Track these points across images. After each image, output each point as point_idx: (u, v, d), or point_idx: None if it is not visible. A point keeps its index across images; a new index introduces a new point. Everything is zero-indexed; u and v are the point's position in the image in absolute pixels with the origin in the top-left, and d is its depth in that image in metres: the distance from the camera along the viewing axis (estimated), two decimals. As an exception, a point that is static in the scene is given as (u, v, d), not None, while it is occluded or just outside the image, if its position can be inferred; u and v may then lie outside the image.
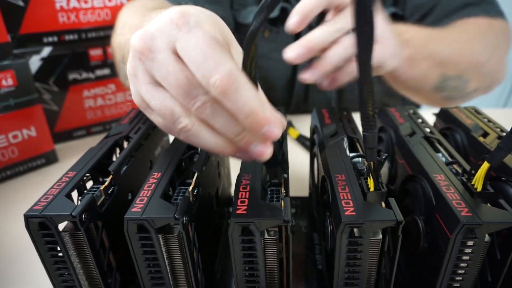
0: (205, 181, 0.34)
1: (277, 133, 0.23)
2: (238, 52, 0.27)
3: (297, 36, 0.58)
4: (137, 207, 0.26)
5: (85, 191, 0.31)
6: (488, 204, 0.26)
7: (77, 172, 0.31)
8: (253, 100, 0.22)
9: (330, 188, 0.29)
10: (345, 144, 0.36)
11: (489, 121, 0.40)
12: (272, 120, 0.23)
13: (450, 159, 0.33)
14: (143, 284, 0.29)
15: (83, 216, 0.27)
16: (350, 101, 0.78)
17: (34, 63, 0.65)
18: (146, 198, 0.27)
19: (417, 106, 0.80)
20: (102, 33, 0.70)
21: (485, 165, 0.26)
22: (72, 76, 0.69)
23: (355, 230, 0.25)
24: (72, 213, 0.26)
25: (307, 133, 0.66)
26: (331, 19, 0.44)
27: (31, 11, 0.62)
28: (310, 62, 0.46)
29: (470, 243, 0.25)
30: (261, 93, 0.25)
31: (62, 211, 0.27)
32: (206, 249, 0.34)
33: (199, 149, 0.36)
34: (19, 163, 0.59)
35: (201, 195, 0.32)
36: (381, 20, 0.45)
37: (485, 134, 0.37)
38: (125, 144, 0.39)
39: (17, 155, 0.58)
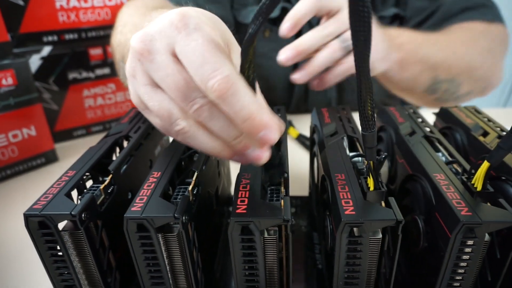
0: (205, 181, 0.34)
1: (274, 138, 0.23)
2: (238, 55, 0.27)
3: (298, 36, 0.59)
4: (136, 206, 0.26)
5: (85, 190, 0.31)
6: (488, 204, 0.26)
7: (77, 171, 0.31)
8: (250, 105, 0.22)
9: (330, 187, 0.29)
10: (345, 143, 0.36)
11: (489, 120, 0.40)
12: (269, 125, 0.23)
13: (450, 159, 0.33)
14: (142, 283, 0.29)
15: (83, 215, 0.27)
16: (351, 101, 0.78)
17: (34, 62, 0.65)
18: (145, 197, 0.27)
19: (417, 105, 0.81)
20: (102, 33, 0.70)
21: (485, 165, 0.26)
22: (72, 75, 0.69)
23: (355, 229, 0.25)
24: (72, 212, 0.26)
25: (307, 132, 0.66)
26: (321, 24, 0.48)
27: (31, 10, 0.62)
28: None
29: (470, 242, 0.25)
30: (259, 97, 0.25)
31: (61, 210, 0.27)
32: (205, 248, 0.34)
33: (198, 149, 0.36)
34: (19, 162, 0.59)
35: (201, 195, 0.32)
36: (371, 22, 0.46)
37: (485, 134, 0.37)
38: (125, 144, 0.39)
39: (17, 154, 0.58)
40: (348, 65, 0.50)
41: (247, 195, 0.27)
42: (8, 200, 0.53)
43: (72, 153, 0.66)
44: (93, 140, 0.39)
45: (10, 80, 0.55)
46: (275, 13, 0.67)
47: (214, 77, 0.22)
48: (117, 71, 0.61)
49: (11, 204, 0.52)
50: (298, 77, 0.49)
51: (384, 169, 0.41)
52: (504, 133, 0.36)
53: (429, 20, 0.70)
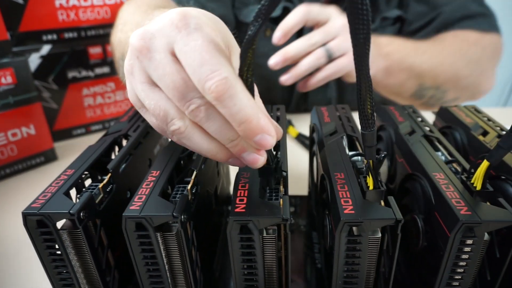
0: (204, 180, 0.34)
1: (270, 142, 0.23)
2: (238, 57, 0.26)
3: (299, 35, 0.60)
4: (135, 205, 0.26)
5: (84, 189, 0.31)
6: (488, 203, 0.26)
7: (76, 170, 0.31)
8: (247, 108, 0.22)
9: (329, 186, 0.29)
10: (345, 142, 0.36)
11: (489, 120, 0.40)
12: (266, 129, 0.22)
13: (449, 158, 0.33)
14: (141, 283, 0.29)
15: (82, 214, 0.27)
16: (351, 101, 0.78)
17: (34, 61, 0.65)
18: (144, 196, 0.27)
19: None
20: (102, 31, 0.70)
21: (485, 164, 0.26)
22: (71, 74, 0.69)
23: (354, 228, 0.25)
24: (70, 211, 0.26)
25: (306, 132, 0.66)
26: (309, 34, 0.55)
27: (31, 9, 0.62)
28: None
29: (469, 241, 0.25)
30: (258, 100, 0.25)
31: (60, 209, 0.26)
32: (204, 247, 0.34)
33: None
34: (18, 161, 0.59)
35: (199, 194, 0.32)
36: None
37: (485, 133, 0.37)
38: (124, 142, 0.38)
39: (16, 153, 0.58)
40: (330, 71, 0.57)
41: (246, 194, 0.27)
42: (7, 199, 0.53)
43: (71, 152, 0.66)
44: (92, 139, 0.39)
45: (9, 79, 0.55)
46: (277, 12, 0.67)
47: (212, 78, 0.21)
48: (117, 70, 0.61)
49: (10, 203, 0.52)
50: (284, 79, 0.57)
51: (384, 168, 0.41)
52: (504, 132, 0.36)
53: (429, 26, 0.73)
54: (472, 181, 0.27)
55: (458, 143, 0.39)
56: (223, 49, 0.23)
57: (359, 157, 0.33)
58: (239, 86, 0.22)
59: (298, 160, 0.59)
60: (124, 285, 0.34)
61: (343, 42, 0.56)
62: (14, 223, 0.47)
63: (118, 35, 0.56)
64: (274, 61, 0.55)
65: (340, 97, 0.79)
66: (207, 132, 0.25)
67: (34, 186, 0.56)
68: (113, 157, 0.37)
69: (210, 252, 0.37)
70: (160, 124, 0.26)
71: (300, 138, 0.67)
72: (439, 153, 0.34)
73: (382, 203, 0.27)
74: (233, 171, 0.43)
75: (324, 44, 0.55)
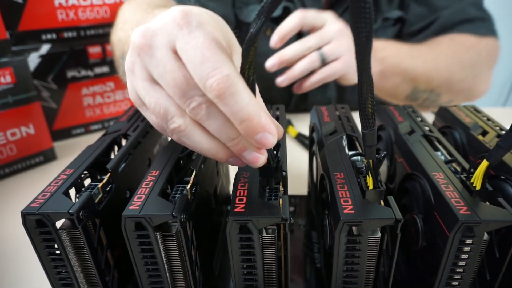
0: (204, 179, 0.34)
1: (271, 141, 0.23)
2: (240, 56, 0.26)
3: (299, 35, 0.61)
4: (135, 205, 0.26)
5: (83, 189, 0.31)
6: (487, 203, 0.26)
7: (75, 170, 0.31)
8: (249, 106, 0.22)
9: (329, 186, 0.29)
10: (344, 142, 0.36)
11: (489, 119, 0.40)
12: (267, 128, 0.22)
13: (449, 158, 0.33)
14: (141, 282, 0.29)
15: (81, 213, 0.27)
16: (351, 100, 0.79)
17: (33, 60, 0.65)
18: (144, 196, 0.27)
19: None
20: (101, 31, 0.70)
21: (484, 164, 0.26)
22: (70, 73, 0.69)
23: (353, 228, 0.25)
24: (70, 211, 0.26)
25: (306, 131, 0.66)
26: (304, 38, 0.58)
27: (30, 8, 0.62)
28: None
29: (469, 241, 0.25)
30: (259, 99, 0.25)
31: (59, 208, 0.26)
32: (204, 247, 0.34)
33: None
34: (17, 161, 0.59)
35: (199, 193, 0.32)
36: (348, 38, 0.58)
37: (484, 133, 0.37)
38: (124, 142, 0.38)
39: (15, 153, 0.58)
40: (323, 75, 0.59)
41: (245, 194, 0.27)
42: (7, 198, 0.53)
43: (71, 151, 0.66)
44: (92, 138, 0.39)
45: (8, 78, 0.55)
46: (277, 12, 0.68)
47: (214, 76, 0.21)
48: (117, 68, 0.61)
49: (9, 203, 0.52)
50: (280, 80, 0.60)
51: (383, 168, 0.41)
52: (503, 132, 0.36)
53: (428, 29, 0.74)
54: (471, 181, 0.27)
55: (457, 143, 0.39)
56: (224, 47, 0.23)
57: (359, 157, 0.33)
58: (241, 84, 0.22)
59: (297, 160, 0.59)
60: (123, 285, 0.34)
61: (337, 47, 0.58)
62: (13, 222, 0.47)
63: (118, 34, 0.56)
64: (270, 63, 0.57)
65: (340, 97, 0.79)
66: (208, 130, 0.24)
67: (33, 185, 0.56)
68: (112, 156, 0.37)
69: (209, 252, 0.37)
70: (160, 122, 0.25)
71: (299, 137, 0.67)
72: (439, 153, 0.34)
73: (382, 202, 0.27)
74: (233, 170, 0.43)
75: (319, 48, 0.58)
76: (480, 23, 0.72)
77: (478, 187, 0.26)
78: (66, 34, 0.67)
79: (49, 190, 0.29)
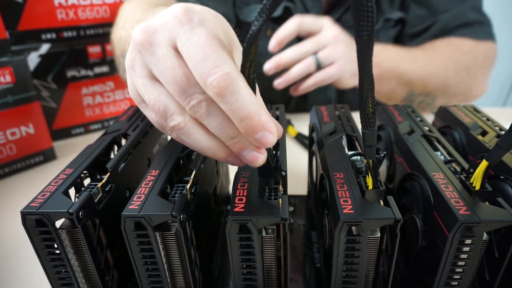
0: (203, 179, 0.34)
1: (271, 140, 0.23)
2: (240, 55, 0.26)
3: (299, 38, 0.62)
4: (134, 205, 0.26)
5: (83, 188, 0.31)
6: (487, 203, 0.26)
7: (75, 169, 0.31)
8: (249, 104, 0.22)
9: (329, 186, 0.29)
10: (344, 142, 0.36)
11: (488, 119, 0.40)
12: (268, 127, 0.22)
13: (448, 158, 0.33)
14: (140, 282, 0.29)
15: (81, 213, 0.27)
16: (350, 101, 0.79)
17: (33, 60, 0.65)
18: (143, 196, 0.27)
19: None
20: (101, 30, 0.70)
21: (484, 164, 0.26)
22: (70, 73, 0.69)
23: (353, 228, 0.25)
24: (69, 210, 0.26)
25: (306, 131, 0.66)
26: (301, 43, 0.60)
27: (30, 8, 0.62)
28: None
29: (468, 241, 0.25)
30: (259, 98, 0.25)
31: (59, 208, 0.26)
32: (203, 247, 0.34)
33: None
34: (17, 161, 0.59)
35: (199, 193, 0.32)
36: (344, 44, 0.60)
37: (484, 133, 0.37)
38: (123, 142, 0.38)
39: (15, 152, 0.58)
40: (318, 79, 0.61)
41: (245, 194, 0.27)
42: (6, 198, 0.53)
43: (70, 151, 0.66)
44: (91, 138, 0.39)
45: (8, 78, 0.55)
46: (278, 12, 0.68)
47: (214, 73, 0.21)
48: (117, 67, 0.61)
49: (8, 202, 0.52)
50: (277, 83, 0.63)
51: (383, 168, 0.41)
52: (503, 132, 0.36)
53: (427, 32, 0.75)
54: (471, 181, 0.27)
55: (457, 143, 0.39)
56: (226, 45, 0.23)
57: (358, 157, 0.33)
58: (242, 82, 0.22)
59: (297, 160, 0.59)
60: (123, 284, 0.34)
61: (333, 52, 0.60)
62: (13, 222, 0.47)
63: (118, 32, 0.56)
64: (268, 66, 0.60)
65: (339, 97, 0.79)
66: (207, 129, 0.24)
67: (33, 185, 0.56)
68: (112, 156, 0.37)
69: (209, 252, 0.37)
70: (160, 119, 0.25)
71: (299, 137, 0.67)
72: (438, 153, 0.34)
73: (381, 202, 0.27)
74: (232, 170, 0.43)
75: (316, 53, 0.60)
76: (479, 27, 0.74)
77: (477, 187, 0.26)
78: (66, 34, 0.67)
79: (48, 189, 0.29)
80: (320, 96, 0.77)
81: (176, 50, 0.24)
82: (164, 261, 0.28)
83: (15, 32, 0.62)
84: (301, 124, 0.71)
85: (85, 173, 0.32)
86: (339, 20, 0.73)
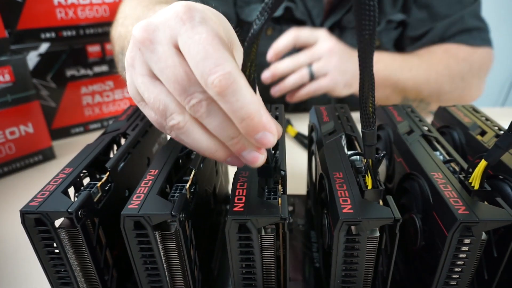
0: (203, 178, 0.34)
1: (272, 140, 0.22)
2: (240, 54, 0.26)
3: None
4: (134, 204, 0.26)
5: (82, 188, 0.31)
6: (485, 202, 0.26)
7: (74, 169, 0.31)
8: (250, 104, 0.21)
9: (328, 185, 0.29)
10: (343, 142, 0.36)
11: (487, 119, 0.40)
12: (268, 127, 0.22)
13: (447, 157, 0.33)
14: (139, 281, 0.29)
15: (80, 212, 0.27)
16: (350, 101, 0.79)
17: (32, 59, 0.65)
18: (143, 195, 0.27)
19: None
20: (100, 30, 0.70)
21: (483, 163, 0.26)
22: (70, 72, 0.69)
23: (352, 227, 0.25)
24: (69, 210, 0.26)
25: (305, 131, 0.66)
26: (297, 54, 0.64)
27: (29, 7, 0.62)
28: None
29: (467, 241, 0.25)
30: (258, 97, 0.25)
31: (58, 207, 0.26)
32: (203, 246, 0.34)
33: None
34: (16, 160, 0.59)
35: (198, 192, 0.32)
36: (337, 56, 0.63)
37: (483, 133, 0.37)
38: (123, 141, 0.38)
39: (14, 152, 0.58)
40: (311, 90, 0.65)
41: (244, 193, 0.27)
42: (5, 197, 0.53)
43: (70, 150, 0.66)
44: (91, 137, 0.39)
45: (7, 77, 0.55)
46: (279, 12, 0.68)
47: (216, 72, 0.21)
48: (116, 64, 0.61)
49: (8, 201, 0.52)
50: (273, 92, 0.67)
51: (382, 168, 0.41)
52: (502, 132, 0.36)
53: (427, 36, 0.76)
54: (470, 181, 0.27)
55: (456, 143, 0.39)
56: (227, 44, 0.23)
57: (358, 157, 0.33)
58: (243, 82, 0.22)
59: (296, 160, 0.59)
60: (122, 284, 0.34)
61: (325, 65, 0.64)
62: (12, 221, 0.47)
63: (118, 29, 0.56)
64: (264, 76, 0.65)
65: (339, 97, 0.79)
66: (207, 128, 0.24)
67: (32, 184, 0.56)
68: (111, 155, 0.37)
69: (208, 251, 0.37)
70: (159, 118, 0.25)
71: (299, 137, 0.67)
72: (437, 153, 0.34)
73: (381, 202, 0.27)
74: (232, 170, 0.43)
75: (310, 65, 0.64)
76: (477, 34, 0.75)
77: (476, 187, 0.27)
78: (65, 33, 0.67)
79: (48, 189, 0.29)
80: (319, 96, 0.77)
81: (177, 48, 0.23)
82: (163, 260, 0.28)
83: (15, 31, 0.62)
84: (301, 123, 0.71)
85: (84, 173, 0.32)
86: (340, 21, 0.73)
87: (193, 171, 0.31)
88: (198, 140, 0.25)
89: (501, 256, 0.27)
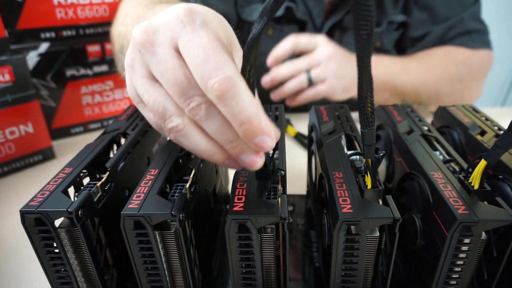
0: (203, 178, 0.34)
1: (270, 144, 0.23)
2: (240, 56, 0.26)
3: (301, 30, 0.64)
4: (134, 204, 0.26)
5: (82, 188, 0.31)
6: (485, 202, 0.26)
7: (74, 168, 0.31)
8: (250, 108, 0.22)
9: (328, 185, 0.29)
10: (343, 141, 0.36)
11: (487, 119, 0.40)
12: (267, 131, 0.22)
13: (447, 157, 0.33)
14: (139, 281, 0.29)
15: (80, 212, 0.27)
16: (350, 101, 0.79)
17: (32, 59, 0.65)
18: (143, 195, 0.27)
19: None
20: (100, 29, 0.70)
21: (482, 163, 0.26)
22: (69, 72, 0.69)
23: (352, 227, 0.25)
24: (69, 209, 0.26)
25: (305, 131, 0.66)
26: (296, 60, 0.65)
27: (29, 6, 0.62)
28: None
29: (467, 240, 0.25)
30: (257, 101, 0.25)
31: (58, 207, 0.26)
32: (203, 246, 0.34)
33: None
34: (16, 159, 0.59)
35: (198, 192, 0.32)
36: (336, 62, 0.65)
37: (483, 133, 0.37)
38: (123, 141, 0.38)
39: (14, 151, 0.58)
40: (309, 95, 0.67)
41: (244, 193, 0.27)
42: (5, 197, 0.53)
43: (70, 150, 0.66)
44: (91, 137, 0.38)
45: (7, 77, 0.55)
46: (279, 12, 0.68)
47: (216, 76, 0.21)
48: (116, 63, 0.61)
49: (7, 201, 0.52)
50: (272, 96, 0.69)
51: (382, 168, 0.41)
52: (502, 132, 0.36)
53: (427, 37, 0.77)
54: (469, 181, 0.27)
55: (456, 143, 0.39)
56: (227, 47, 0.23)
57: (358, 157, 0.33)
58: (242, 86, 0.22)
59: (296, 159, 0.59)
60: (122, 284, 0.34)
61: (324, 71, 0.65)
62: (12, 221, 0.47)
63: (118, 28, 0.56)
64: (264, 81, 0.66)
65: None
66: (206, 131, 0.24)
67: (32, 184, 0.56)
68: (111, 155, 0.37)
69: (208, 251, 0.37)
70: (158, 120, 0.25)
71: (298, 137, 0.67)
72: (437, 153, 0.34)
73: (380, 202, 0.27)
74: (232, 170, 0.43)
75: (309, 70, 0.65)
76: (477, 36, 0.76)
77: (476, 187, 0.27)
78: (65, 33, 0.67)
79: (48, 188, 0.29)
80: (319, 100, 0.78)
81: (177, 51, 0.23)
82: (163, 260, 0.28)
83: (14, 31, 0.62)
84: (301, 123, 0.71)
85: (84, 172, 0.32)
86: (341, 21, 0.73)
87: (193, 171, 0.31)
88: (197, 143, 0.25)
89: (501, 256, 0.27)
